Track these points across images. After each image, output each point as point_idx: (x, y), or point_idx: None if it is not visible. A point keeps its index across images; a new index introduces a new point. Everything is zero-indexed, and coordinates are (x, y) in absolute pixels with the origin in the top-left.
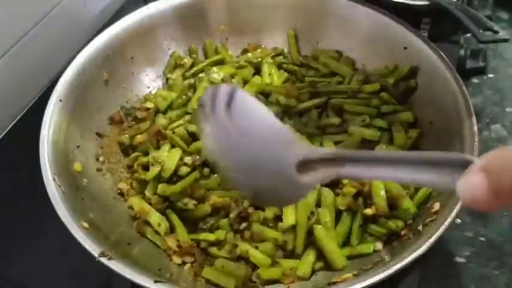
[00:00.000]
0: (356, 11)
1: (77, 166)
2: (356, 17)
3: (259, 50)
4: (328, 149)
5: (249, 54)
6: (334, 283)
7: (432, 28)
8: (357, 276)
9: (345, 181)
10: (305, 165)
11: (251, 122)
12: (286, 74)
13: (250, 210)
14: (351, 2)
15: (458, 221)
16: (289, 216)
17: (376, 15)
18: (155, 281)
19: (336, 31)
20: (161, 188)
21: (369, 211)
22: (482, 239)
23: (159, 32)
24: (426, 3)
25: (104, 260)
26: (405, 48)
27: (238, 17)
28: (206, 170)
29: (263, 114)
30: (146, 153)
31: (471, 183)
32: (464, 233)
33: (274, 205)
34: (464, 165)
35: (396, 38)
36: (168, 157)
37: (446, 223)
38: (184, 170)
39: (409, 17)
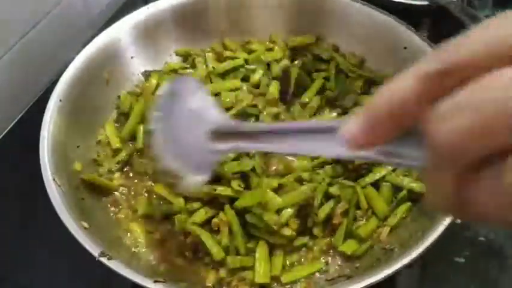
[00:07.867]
0: (356, 11)
1: (77, 166)
2: (356, 17)
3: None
4: (236, 122)
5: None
6: (334, 283)
7: (432, 28)
8: (357, 276)
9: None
10: (218, 134)
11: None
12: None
13: None
14: (351, 2)
15: (458, 221)
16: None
17: (376, 15)
18: (155, 281)
19: (336, 31)
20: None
21: None
22: (482, 239)
23: (159, 32)
24: (426, 3)
25: (103, 259)
26: (405, 48)
27: (238, 17)
28: None
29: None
30: None
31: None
32: (464, 233)
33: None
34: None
35: (396, 38)
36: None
37: (446, 223)
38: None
39: (409, 17)
